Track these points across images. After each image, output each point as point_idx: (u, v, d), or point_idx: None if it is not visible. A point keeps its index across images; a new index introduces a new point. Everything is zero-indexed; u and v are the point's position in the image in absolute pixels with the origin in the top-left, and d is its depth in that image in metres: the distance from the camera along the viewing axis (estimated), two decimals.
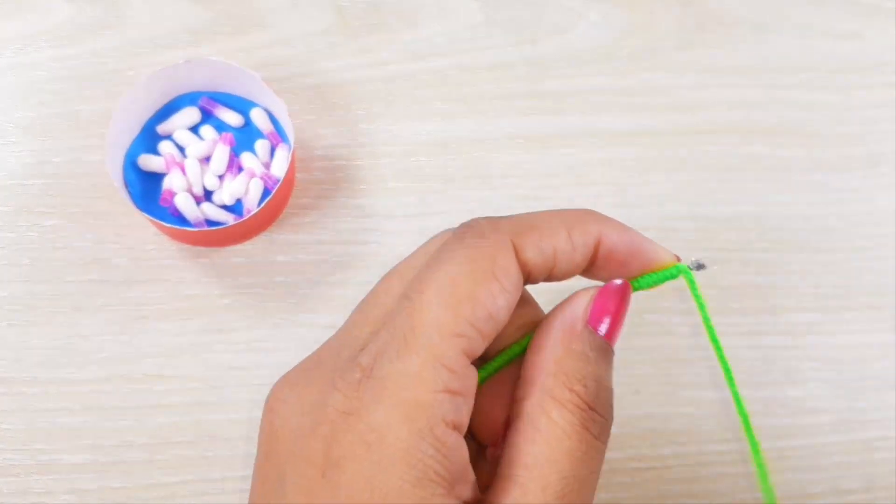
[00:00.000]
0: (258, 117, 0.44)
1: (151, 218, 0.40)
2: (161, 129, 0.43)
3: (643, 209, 0.45)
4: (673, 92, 0.48)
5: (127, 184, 0.42)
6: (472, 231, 0.25)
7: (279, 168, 0.43)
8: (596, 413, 0.23)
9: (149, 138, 0.43)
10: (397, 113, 0.46)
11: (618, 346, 0.42)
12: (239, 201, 0.43)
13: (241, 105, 0.44)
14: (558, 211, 0.26)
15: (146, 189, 0.43)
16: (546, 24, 0.49)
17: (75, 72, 0.46)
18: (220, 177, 0.43)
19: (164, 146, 0.43)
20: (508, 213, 0.45)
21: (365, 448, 0.21)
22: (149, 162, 0.43)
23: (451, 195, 0.45)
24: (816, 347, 0.43)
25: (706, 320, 0.29)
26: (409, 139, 0.46)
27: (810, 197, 0.46)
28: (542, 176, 0.45)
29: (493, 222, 0.25)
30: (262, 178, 0.43)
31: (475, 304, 0.23)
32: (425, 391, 0.22)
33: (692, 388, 0.42)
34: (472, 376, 0.23)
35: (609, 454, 0.40)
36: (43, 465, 0.39)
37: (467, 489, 0.23)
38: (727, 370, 0.29)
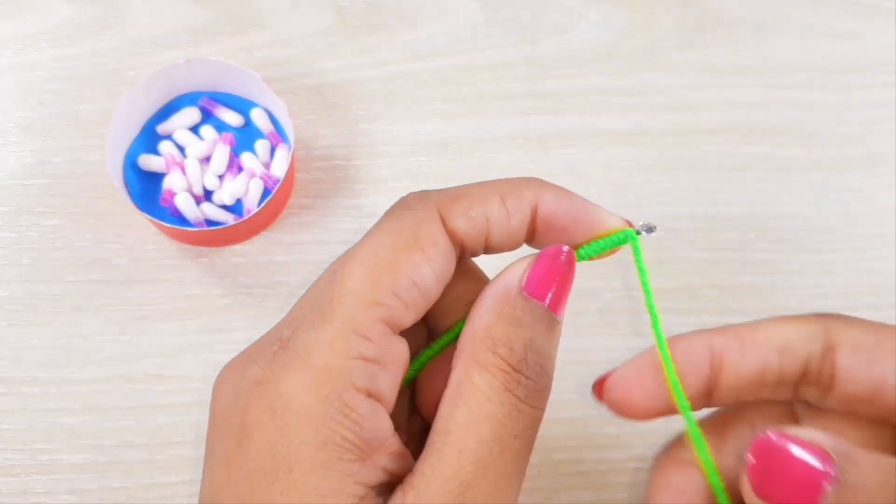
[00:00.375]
0: (258, 117, 0.44)
1: (151, 218, 0.40)
2: (161, 129, 0.43)
3: (643, 209, 0.45)
4: (673, 92, 0.48)
5: (127, 184, 0.42)
6: (400, 204, 0.25)
7: (279, 168, 0.43)
8: (522, 375, 0.22)
9: (149, 138, 0.43)
10: (397, 113, 0.46)
11: (618, 345, 0.42)
12: (239, 201, 0.43)
13: (242, 105, 0.44)
14: (495, 179, 0.25)
15: (146, 189, 0.43)
16: (546, 25, 0.49)
17: (75, 72, 0.46)
18: (220, 177, 0.43)
19: (164, 146, 0.43)
20: None
21: (270, 414, 0.22)
22: (149, 162, 0.43)
23: None
24: None
25: (646, 288, 0.27)
26: (409, 139, 0.46)
27: (810, 197, 0.46)
28: (542, 176, 0.45)
29: (422, 194, 0.25)
30: (262, 178, 0.43)
31: (396, 272, 0.23)
32: (335, 358, 0.22)
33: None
34: (395, 346, 0.23)
35: (609, 454, 0.40)
36: (43, 464, 0.39)
37: (390, 460, 0.22)
38: (660, 339, 0.28)
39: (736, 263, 0.44)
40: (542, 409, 0.23)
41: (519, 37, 0.49)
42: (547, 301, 0.23)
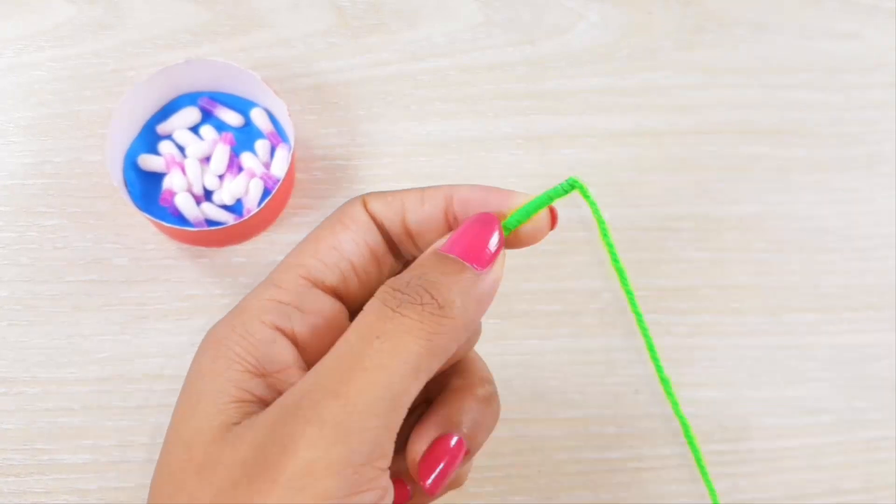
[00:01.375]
0: (258, 117, 0.44)
1: (151, 218, 0.40)
2: (161, 128, 0.43)
3: (643, 209, 0.45)
4: (672, 92, 0.48)
5: (127, 183, 0.42)
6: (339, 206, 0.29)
7: (279, 168, 0.43)
8: (399, 292, 0.24)
9: (149, 138, 0.44)
10: (397, 113, 0.46)
11: (617, 345, 0.42)
12: (239, 201, 0.43)
13: (242, 105, 0.44)
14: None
15: (146, 189, 0.43)
16: (546, 25, 0.49)
17: (76, 72, 0.46)
18: (220, 177, 0.43)
19: (164, 146, 0.43)
20: None
21: (200, 346, 0.26)
22: (149, 162, 0.43)
23: None
24: (816, 347, 0.43)
25: (606, 239, 0.28)
26: (409, 139, 0.46)
27: (810, 197, 0.47)
28: (541, 176, 0.46)
29: (356, 197, 0.29)
30: (262, 178, 0.43)
31: (318, 241, 0.27)
32: (251, 299, 0.26)
33: (691, 389, 0.42)
34: (316, 297, 0.26)
35: (609, 454, 0.40)
36: (43, 465, 0.39)
37: (282, 384, 0.25)
38: (629, 293, 0.28)
39: (736, 263, 0.45)
40: (429, 335, 0.24)
41: (519, 37, 0.49)
42: (464, 255, 0.25)
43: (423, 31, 0.48)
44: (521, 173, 0.46)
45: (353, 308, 0.26)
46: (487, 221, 0.26)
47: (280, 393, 0.24)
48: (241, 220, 0.40)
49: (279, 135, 0.44)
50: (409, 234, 0.27)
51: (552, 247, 0.44)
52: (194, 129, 0.44)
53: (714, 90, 0.48)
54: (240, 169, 0.43)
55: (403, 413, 0.23)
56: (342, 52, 0.48)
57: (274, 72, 0.47)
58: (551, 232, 0.28)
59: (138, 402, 0.40)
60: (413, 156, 0.45)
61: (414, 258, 0.27)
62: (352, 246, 0.27)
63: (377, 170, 0.45)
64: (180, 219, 0.42)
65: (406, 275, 0.25)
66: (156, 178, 0.43)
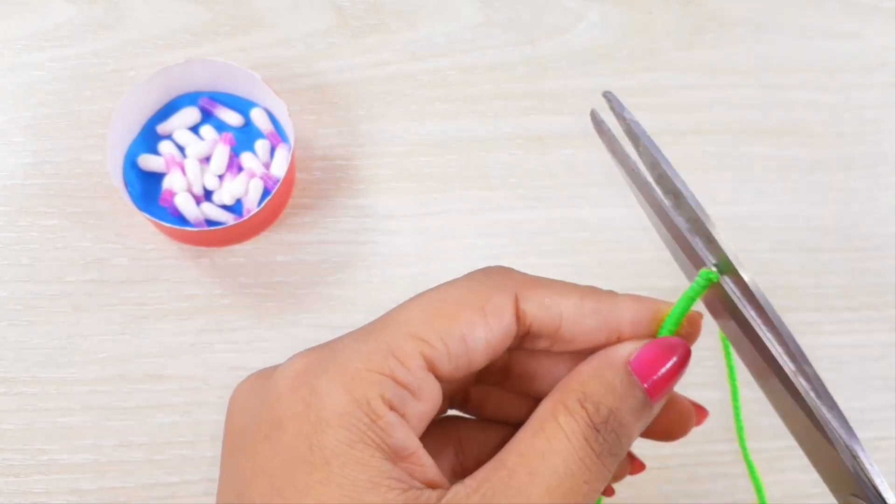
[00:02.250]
0: (258, 117, 0.44)
1: (151, 218, 0.40)
2: (161, 128, 0.44)
3: (642, 209, 0.45)
4: (672, 92, 0.48)
5: (127, 183, 0.43)
6: (483, 270, 0.26)
7: (279, 168, 0.43)
8: (601, 437, 0.23)
9: (149, 138, 0.44)
10: (397, 113, 0.46)
11: None
12: (239, 201, 0.43)
13: (241, 105, 0.44)
14: (575, 285, 0.27)
15: (146, 189, 0.43)
16: (545, 25, 0.49)
17: (76, 72, 0.46)
18: (220, 177, 0.43)
19: (164, 146, 0.43)
20: (507, 214, 0.45)
21: (304, 406, 0.22)
22: (149, 162, 0.43)
23: (451, 195, 0.45)
24: (816, 347, 0.43)
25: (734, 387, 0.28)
26: (409, 139, 0.46)
27: (810, 197, 0.47)
28: (541, 176, 0.46)
29: (507, 268, 0.26)
30: (262, 178, 0.43)
31: (451, 321, 0.24)
32: (370, 367, 0.23)
33: (692, 389, 0.42)
34: (430, 384, 0.24)
35: None
36: (43, 465, 0.39)
37: (419, 471, 0.23)
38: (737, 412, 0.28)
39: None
40: (607, 481, 0.24)
41: (519, 37, 0.49)
42: (647, 385, 0.25)
43: (423, 31, 0.48)
44: (521, 173, 0.46)
45: (445, 386, 0.25)
46: (685, 360, 0.26)
47: (413, 477, 0.23)
48: (241, 220, 0.40)
49: (279, 135, 0.44)
50: (554, 339, 0.26)
51: (556, 248, 0.44)
52: (194, 129, 0.44)
53: (714, 90, 0.48)
54: (240, 169, 0.43)
55: None
56: (342, 52, 0.48)
57: (274, 72, 0.47)
58: None
59: (138, 402, 0.40)
60: (413, 156, 0.46)
61: (525, 350, 0.26)
62: (481, 346, 0.24)
63: (377, 170, 0.45)
64: (180, 219, 0.42)
65: (603, 398, 0.24)
66: (156, 178, 0.43)
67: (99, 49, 0.46)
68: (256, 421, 0.23)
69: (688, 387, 0.42)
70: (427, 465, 0.23)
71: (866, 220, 0.46)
